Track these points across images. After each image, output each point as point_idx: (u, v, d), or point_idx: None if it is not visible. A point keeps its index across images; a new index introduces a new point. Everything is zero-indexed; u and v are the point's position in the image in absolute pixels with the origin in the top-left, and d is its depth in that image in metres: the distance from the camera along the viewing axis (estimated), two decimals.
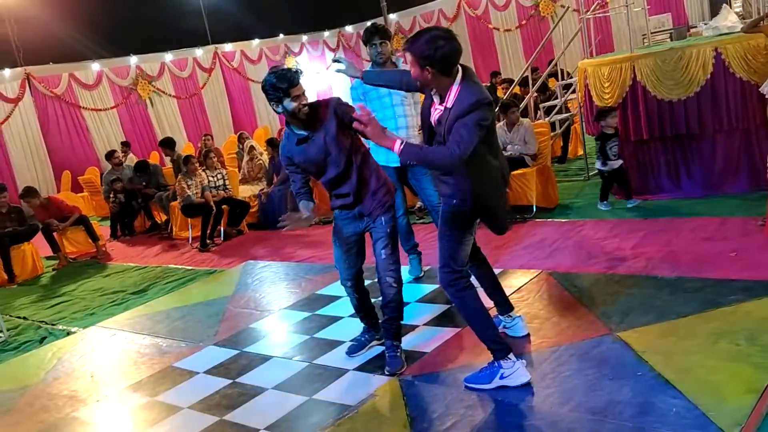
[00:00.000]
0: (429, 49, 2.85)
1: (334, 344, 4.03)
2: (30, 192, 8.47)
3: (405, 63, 4.83)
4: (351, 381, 3.52)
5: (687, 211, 5.46)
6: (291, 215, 3.32)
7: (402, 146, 2.92)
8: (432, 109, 3.13)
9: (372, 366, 3.62)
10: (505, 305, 3.67)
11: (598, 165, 6.11)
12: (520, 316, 3.70)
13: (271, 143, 8.80)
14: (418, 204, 7.03)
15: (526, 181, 6.28)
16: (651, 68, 5.92)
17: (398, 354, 3.56)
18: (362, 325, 3.89)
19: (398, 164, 4.75)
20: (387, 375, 3.45)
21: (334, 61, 3.75)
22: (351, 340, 3.90)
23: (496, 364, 3.11)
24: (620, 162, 5.95)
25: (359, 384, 3.45)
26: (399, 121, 4.65)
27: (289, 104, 3.26)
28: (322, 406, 3.31)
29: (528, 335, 3.62)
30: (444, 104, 2.98)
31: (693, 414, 2.61)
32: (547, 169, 6.55)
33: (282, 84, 3.23)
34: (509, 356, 3.10)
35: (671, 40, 8.39)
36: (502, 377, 3.07)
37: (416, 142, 4.79)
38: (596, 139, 6.13)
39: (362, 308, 3.80)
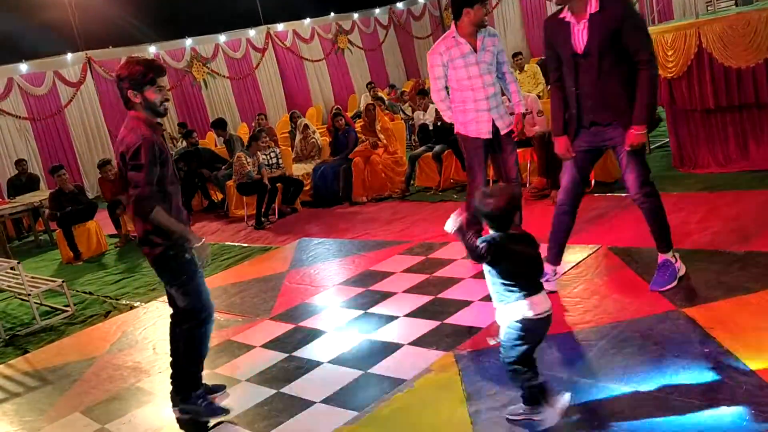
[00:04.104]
0: None
1: (388, 319, 4.02)
2: (107, 162, 8.86)
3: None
4: (406, 355, 3.50)
5: (756, 183, 5.20)
6: None
7: (646, 126, 3.43)
8: (572, 36, 3.45)
9: (427, 340, 3.59)
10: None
11: None
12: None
13: (338, 114, 8.85)
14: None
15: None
16: (718, 35, 5.62)
17: None
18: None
19: (490, 136, 4.57)
20: None
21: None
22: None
23: None
24: None
25: (414, 358, 3.43)
26: (488, 89, 4.48)
27: (151, 94, 3.07)
28: (377, 380, 3.31)
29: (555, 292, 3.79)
30: (588, 12, 3.36)
31: (765, 391, 2.49)
32: None
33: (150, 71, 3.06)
34: None
35: (736, 5, 7.98)
36: None
37: (504, 106, 4.66)
38: None
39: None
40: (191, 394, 3.28)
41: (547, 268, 3.82)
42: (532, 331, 2.57)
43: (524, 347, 2.58)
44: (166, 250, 3.12)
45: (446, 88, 4.65)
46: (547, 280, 3.77)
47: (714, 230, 4.33)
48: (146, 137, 3.00)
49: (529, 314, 2.53)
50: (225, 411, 3.31)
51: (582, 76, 3.50)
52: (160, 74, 3.12)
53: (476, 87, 4.48)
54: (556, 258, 3.90)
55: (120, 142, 3.09)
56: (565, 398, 2.60)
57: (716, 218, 4.55)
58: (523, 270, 2.56)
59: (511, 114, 4.72)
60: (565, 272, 4.10)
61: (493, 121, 4.54)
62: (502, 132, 4.59)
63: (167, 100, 3.18)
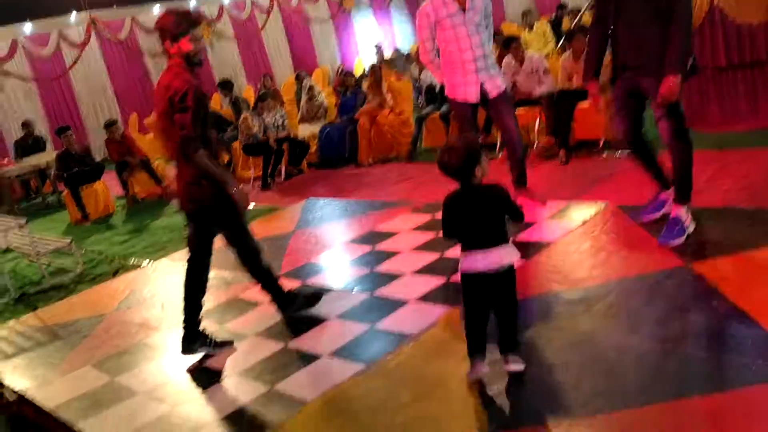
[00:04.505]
0: None
1: (394, 277, 4.03)
2: (114, 123, 8.84)
3: None
4: (412, 311, 3.52)
5: (766, 141, 5.13)
6: None
7: (679, 69, 3.32)
8: None
9: (433, 297, 3.60)
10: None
11: None
12: None
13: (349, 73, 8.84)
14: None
15: (593, 113, 6.01)
16: None
17: None
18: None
19: (477, 100, 4.50)
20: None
21: None
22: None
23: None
24: None
25: (420, 314, 3.45)
26: (476, 51, 4.39)
27: (186, 45, 3.26)
28: (384, 334, 3.33)
29: None
30: None
31: None
32: None
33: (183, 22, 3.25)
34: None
35: None
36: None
37: (496, 68, 4.58)
38: None
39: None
40: (289, 305, 3.72)
41: (664, 195, 3.88)
42: (465, 285, 2.62)
43: (465, 301, 2.66)
44: (220, 190, 3.30)
45: (437, 49, 4.57)
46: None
47: (724, 188, 4.30)
48: (192, 82, 3.20)
49: (461, 267, 2.61)
50: (322, 293, 3.82)
51: (621, 15, 3.49)
52: (193, 25, 3.29)
53: (463, 48, 4.37)
54: (664, 184, 3.89)
55: (166, 87, 3.24)
56: (482, 370, 2.66)
57: (726, 176, 4.51)
58: (459, 224, 2.62)
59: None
60: (572, 230, 4.09)
61: (481, 84, 4.45)
62: (491, 95, 4.49)
63: (202, 50, 3.36)
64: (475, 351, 2.66)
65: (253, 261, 3.63)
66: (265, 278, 3.70)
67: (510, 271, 2.58)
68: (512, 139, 4.67)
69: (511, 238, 2.64)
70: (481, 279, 2.56)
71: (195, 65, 3.31)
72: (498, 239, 2.56)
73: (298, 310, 3.76)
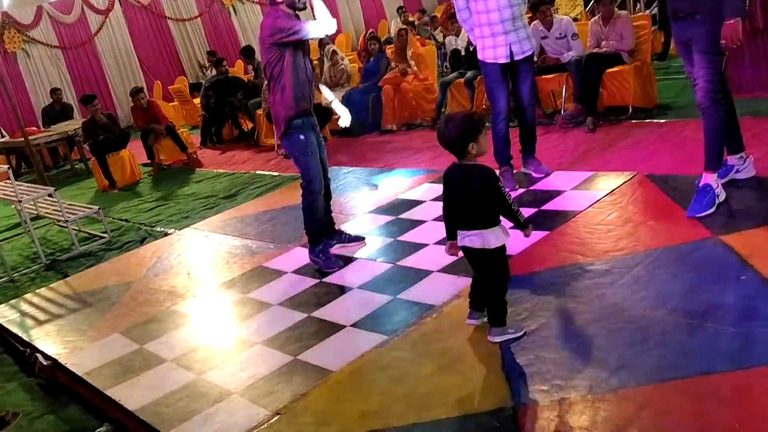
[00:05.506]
0: None
1: (417, 247, 4.02)
2: (140, 90, 8.90)
3: None
4: (435, 282, 3.51)
5: None
6: None
7: (739, 13, 3.27)
8: None
9: (456, 267, 3.59)
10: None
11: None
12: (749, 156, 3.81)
13: (374, 38, 8.74)
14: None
15: (622, 79, 5.87)
16: None
17: None
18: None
19: (507, 60, 4.45)
20: None
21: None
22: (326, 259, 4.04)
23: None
24: None
25: (443, 285, 3.44)
26: (503, 12, 4.35)
27: None
28: (407, 305, 3.34)
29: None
30: None
31: None
32: (645, 66, 6.10)
33: None
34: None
35: None
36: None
37: (527, 30, 4.51)
38: None
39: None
40: (314, 248, 4.01)
41: (732, 160, 3.79)
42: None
43: None
44: (286, 130, 3.92)
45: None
46: (737, 171, 3.79)
47: (756, 156, 4.16)
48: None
49: None
50: (340, 264, 3.96)
51: None
52: None
53: (491, 9, 4.34)
54: (730, 148, 3.77)
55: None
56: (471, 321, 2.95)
57: (759, 144, 4.37)
58: (447, 203, 2.75)
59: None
60: (598, 200, 4.02)
61: (510, 45, 4.40)
62: (516, 57, 4.45)
63: None
64: (471, 305, 2.94)
65: (307, 194, 4.02)
66: (312, 219, 4.00)
67: (480, 253, 2.67)
68: (524, 105, 4.66)
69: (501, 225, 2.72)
70: (466, 251, 2.75)
71: (299, 10, 3.72)
72: (476, 223, 2.64)
73: (321, 266, 3.98)
